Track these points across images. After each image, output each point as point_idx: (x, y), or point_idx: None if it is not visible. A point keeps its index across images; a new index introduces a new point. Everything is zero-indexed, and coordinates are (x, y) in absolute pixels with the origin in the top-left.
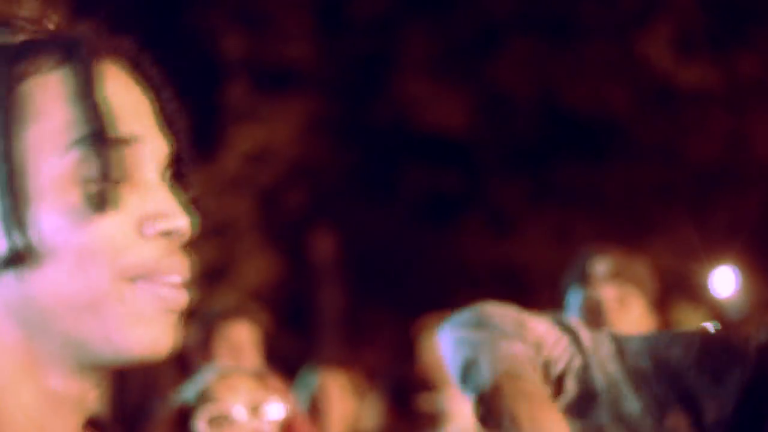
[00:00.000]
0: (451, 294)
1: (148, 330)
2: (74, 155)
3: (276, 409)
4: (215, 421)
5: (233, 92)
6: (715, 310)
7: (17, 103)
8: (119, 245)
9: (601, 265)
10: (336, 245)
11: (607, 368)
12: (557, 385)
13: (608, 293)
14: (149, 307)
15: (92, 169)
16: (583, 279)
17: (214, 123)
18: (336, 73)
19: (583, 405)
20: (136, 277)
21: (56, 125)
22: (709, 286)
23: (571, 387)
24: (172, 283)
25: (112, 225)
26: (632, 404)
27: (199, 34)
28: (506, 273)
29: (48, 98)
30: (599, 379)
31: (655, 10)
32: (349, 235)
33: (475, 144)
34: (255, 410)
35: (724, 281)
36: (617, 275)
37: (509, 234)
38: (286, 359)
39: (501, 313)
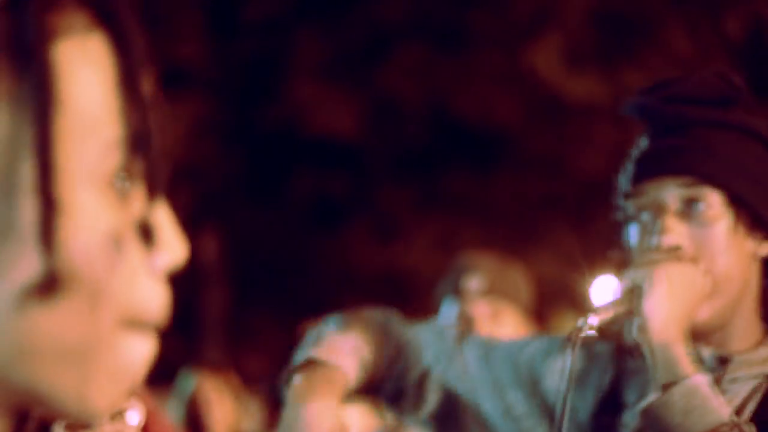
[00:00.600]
0: (335, 298)
1: (118, 388)
2: (115, 159)
3: (135, 414)
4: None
5: None
6: None
7: (50, 71)
8: (132, 280)
9: (473, 281)
10: (221, 248)
11: (470, 374)
12: (417, 391)
13: (480, 309)
14: (136, 364)
15: (132, 181)
16: (457, 293)
17: None
18: (226, 74)
19: (445, 412)
20: (134, 324)
21: (96, 112)
22: (591, 295)
23: (432, 395)
24: (156, 332)
25: (134, 254)
26: (493, 409)
27: None
28: (391, 278)
29: (84, 70)
30: (461, 386)
31: (544, 23)
32: (235, 237)
33: (364, 149)
34: (114, 415)
35: (606, 290)
36: (490, 291)
37: (395, 240)
38: (167, 362)
39: (368, 315)
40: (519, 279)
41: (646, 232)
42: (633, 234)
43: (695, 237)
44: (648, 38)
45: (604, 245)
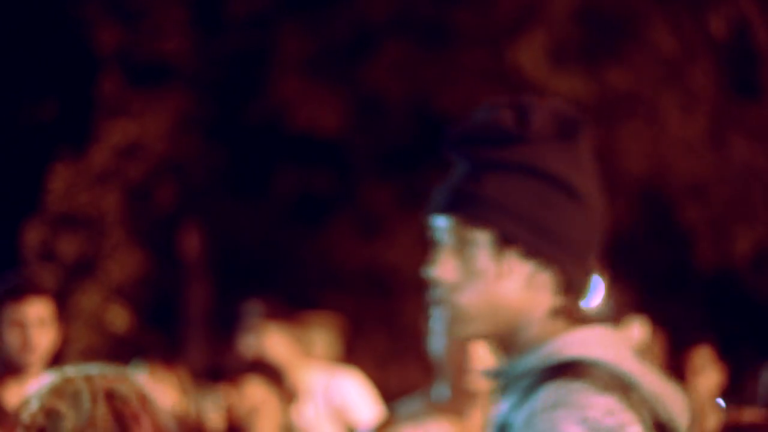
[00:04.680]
0: (318, 294)
1: None
2: None
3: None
4: None
5: (105, 86)
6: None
7: None
8: None
9: None
10: (204, 243)
11: None
12: None
13: None
14: None
15: None
16: None
17: (85, 116)
18: (210, 69)
19: None
20: None
21: None
22: None
23: None
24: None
25: None
26: None
27: (73, 26)
28: (374, 274)
29: None
30: None
31: (529, 20)
32: (218, 233)
33: (347, 146)
34: None
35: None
36: None
37: (378, 236)
38: (149, 355)
39: None
40: None
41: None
42: (432, 257)
43: (462, 271)
44: (632, 36)
45: None
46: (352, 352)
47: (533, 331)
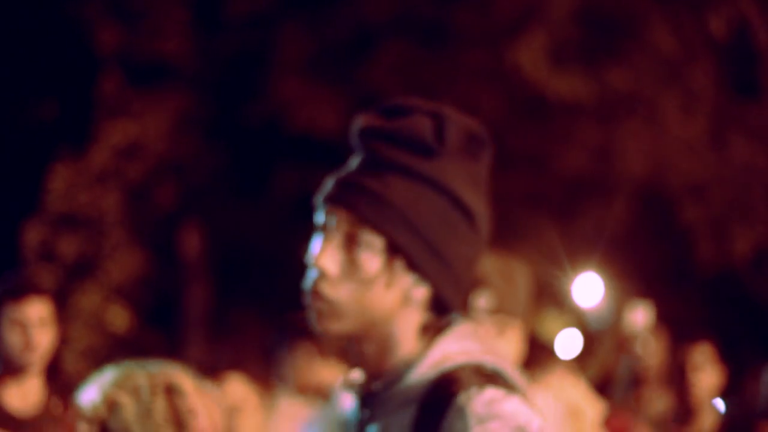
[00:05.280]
0: None
1: None
2: None
3: None
4: None
5: (105, 86)
6: (578, 316)
7: None
8: None
9: (482, 299)
10: (204, 243)
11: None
12: None
13: (487, 328)
14: None
15: None
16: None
17: (85, 116)
18: (210, 70)
19: None
20: None
21: None
22: (573, 293)
23: None
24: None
25: None
26: None
27: (74, 27)
28: None
29: None
30: None
31: (529, 21)
32: (218, 233)
33: (348, 146)
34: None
35: (588, 288)
36: (498, 310)
37: None
38: (151, 356)
39: None
40: (523, 291)
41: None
42: (315, 243)
43: (343, 266)
44: (632, 36)
45: (587, 244)
46: None
47: (406, 348)
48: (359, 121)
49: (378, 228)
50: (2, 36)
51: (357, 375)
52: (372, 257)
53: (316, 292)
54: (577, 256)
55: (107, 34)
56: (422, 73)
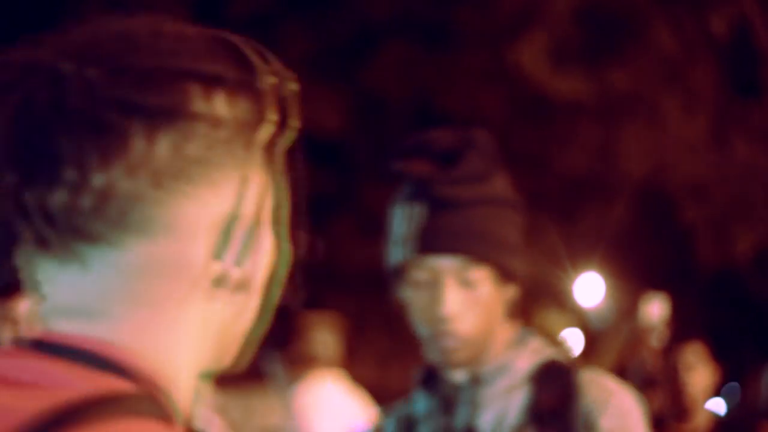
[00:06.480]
0: (319, 295)
1: None
2: None
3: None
4: None
5: None
6: (579, 316)
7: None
8: None
9: None
10: None
11: None
12: None
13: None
14: None
15: None
16: None
17: None
18: None
19: None
20: None
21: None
22: (574, 293)
23: None
24: None
25: None
26: None
27: (70, 25)
28: (375, 275)
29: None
30: None
31: (530, 21)
32: None
33: (349, 145)
34: None
35: (589, 288)
36: None
37: (379, 236)
38: None
39: None
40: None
41: (427, 299)
42: (415, 299)
43: (467, 302)
44: (633, 36)
45: (588, 244)
46: (353, 352)
47: (503, 339)
48: (419, 173)
49: (485, 260)
50: (2, 36)
51: (434, 372)
52: (486, 287)
53: (448, 334)
54: (579, 255)
55: None
56: (423, 73)
